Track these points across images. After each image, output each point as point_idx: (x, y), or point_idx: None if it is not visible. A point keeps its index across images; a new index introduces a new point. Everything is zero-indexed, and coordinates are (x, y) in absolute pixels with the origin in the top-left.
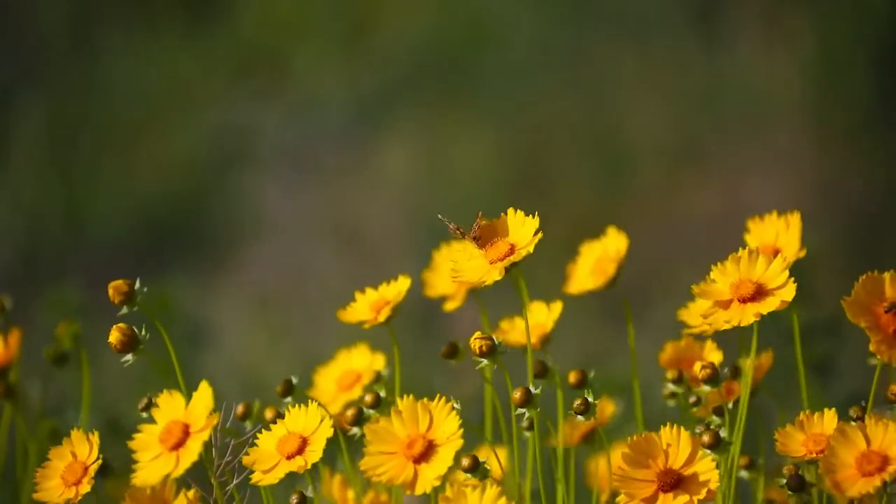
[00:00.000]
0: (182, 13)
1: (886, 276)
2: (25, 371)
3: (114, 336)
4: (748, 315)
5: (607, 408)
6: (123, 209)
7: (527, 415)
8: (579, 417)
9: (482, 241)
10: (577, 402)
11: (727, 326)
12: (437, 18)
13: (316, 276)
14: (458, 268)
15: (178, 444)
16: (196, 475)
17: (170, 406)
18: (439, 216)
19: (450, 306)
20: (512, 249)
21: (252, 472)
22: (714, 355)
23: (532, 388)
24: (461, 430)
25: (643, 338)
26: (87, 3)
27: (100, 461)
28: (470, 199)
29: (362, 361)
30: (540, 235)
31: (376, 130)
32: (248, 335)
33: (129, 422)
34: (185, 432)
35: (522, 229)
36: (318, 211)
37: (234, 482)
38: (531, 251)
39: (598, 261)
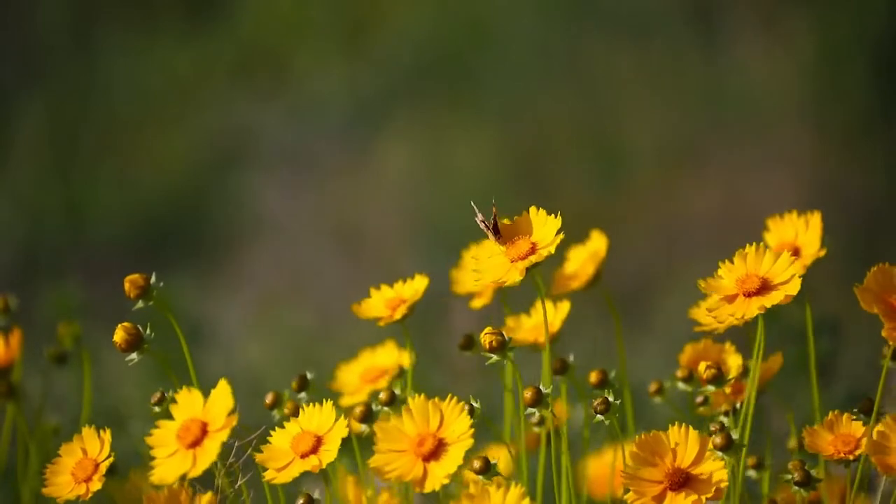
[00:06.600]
0: (182, 13)
1: None
2: (25, 370)
3: (118, 335)
4: (752, 308)
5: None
6: (123, 208)
7: (537, 414)
8: (599, 417)
9: (503, 237)
10: (598, 401)
11: (732, 319)
12: (437, 18)
13: (316, 276)
14: (479, 267)
15: (196, 443)
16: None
17: (188, 403)
18: (472, 203)
19: (477, 304)
20: (533, 248)
21: (261, 471)
22: (733, 357)
23: (542, 388)
24: (472, 430)
25: (643, 337)
26: (86, 3)
27: (111, 458)
28: (470, 198)
29: (389, 358)
30: (562, 236)
31: (376, 130)
32: (248, 335)
33: (129, 420)
34: (203, 431)
35: (544, 228)
36: (318, 211)
37: (242, 480)
38: (553, 252)
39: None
